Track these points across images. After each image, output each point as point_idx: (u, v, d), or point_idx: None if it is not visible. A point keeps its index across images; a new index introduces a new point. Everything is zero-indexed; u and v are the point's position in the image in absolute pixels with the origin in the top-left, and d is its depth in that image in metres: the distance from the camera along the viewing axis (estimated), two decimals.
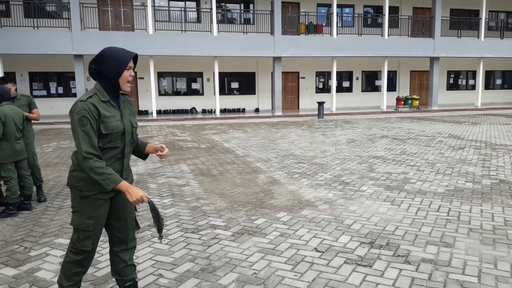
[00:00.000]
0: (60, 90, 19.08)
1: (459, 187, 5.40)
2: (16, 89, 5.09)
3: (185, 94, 20.73)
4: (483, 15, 21.28)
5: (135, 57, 2.28)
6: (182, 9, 18.96)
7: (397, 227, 3.90)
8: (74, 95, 18.38)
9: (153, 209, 2.25)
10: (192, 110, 20.40)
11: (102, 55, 2.19)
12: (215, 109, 19.31)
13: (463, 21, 22.36)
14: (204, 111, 20.53)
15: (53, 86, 19.03)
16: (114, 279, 2.88)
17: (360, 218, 4.19)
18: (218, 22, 19.00)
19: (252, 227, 3.98)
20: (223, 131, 13.17)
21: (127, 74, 2.23)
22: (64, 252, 3.37)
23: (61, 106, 18.64)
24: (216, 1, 18.38)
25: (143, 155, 2.51)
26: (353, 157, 7.76)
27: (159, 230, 2.29)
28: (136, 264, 2.83)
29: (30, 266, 3.17)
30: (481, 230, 3.78)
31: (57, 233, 3.91)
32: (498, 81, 25.93)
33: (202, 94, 20.88)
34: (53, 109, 18.69)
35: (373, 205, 4.64)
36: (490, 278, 2.85)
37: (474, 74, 24.02)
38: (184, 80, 20.69)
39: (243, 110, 20.92)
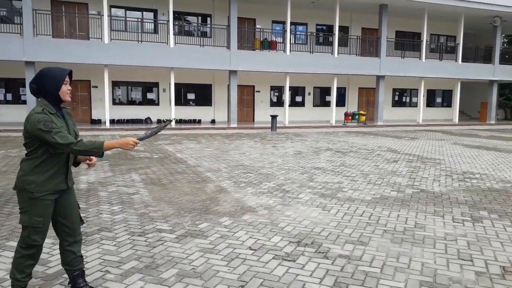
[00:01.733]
0: (9, 96, 18.49)
1: (384, 195, 6.09)
2: None
3: (140, 103, 20.75)
4: (424, 38, 23.08)
5: (70, 73, 2.67)
6: (139, 19, 19.10)
7: (324, 229, 4.44)
8: (24, 102, 17.90)
9: (153, 133, 2.77)
10: (147, 120, 20.43)
11: (40, 74, 2.58)
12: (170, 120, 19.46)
13: (407, 43, 24.12)
14: (159, 121, 20.62)
15: (1, 93, 18.41)
16: (63, 274, 3.17)
17: (293, 221, 4.70)
18: (175, 34, 19.31)
19: (195, 230, 4.37)
20: (177, 141, 13.42)
21: (65, 88, 2.62)
22: None
23: (9, 114, 18.07)
24: (174, 14, 18.70)
25: (75, 163, 2.86)
26: (297, 168, 8.35)
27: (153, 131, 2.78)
28: (83, 256, 3.13)
29: None
30: (393, 231, 4.41)
31: (7, 236, 4.10)
32: (439, 99, 28.04)
33: (158, 104, 20.99)
34: (1, 116, 18.07)
35: (307, 210, 5.18)
36: (391, 269, 3.43)
37: (417, 92, 25.82)
38: (139, 89, 20.72)
39: (199, 121, 21.23)
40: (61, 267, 3.30)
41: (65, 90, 2.61)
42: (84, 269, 2.88)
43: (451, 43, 26.58)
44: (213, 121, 21.58)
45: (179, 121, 20.60)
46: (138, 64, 17.68)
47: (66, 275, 3.12)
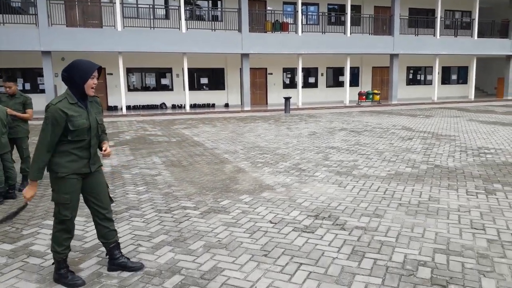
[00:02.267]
0: (27, 86, 18.94)
1: (399, 171, 6.22)
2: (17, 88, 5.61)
3: (155, 89, 21.01)
4: (439, 14, 22.63)
5: (99, 68, 2.84)
6: (151, 6, 19.19)
7: (340, 203, 4.63)
8: (42, 91, 18.31)
9: (16, 212, 3.05)
10: (162, 106, 20.72)
11: (72, 65, 2.78)
12: (184, 105, 19.71)
13: (421, 20, 23.69)
14: (174, 107, 20.89)
15: (20, 82, 18.86)
16: (99, 248, 3.44)
17: (310, 197, 4.89)
18: (187, 19, 19.37)
19: (218, 207, 4.60)
20: (193, 125, 13.67)
21: (91, 82, 2.80)
22: None
23: None
24: None
25: (100, 148, 3.08)
26: (312, 148, 8.51)
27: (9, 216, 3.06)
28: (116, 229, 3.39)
29: (24, 242, 3.67)
30: (408, 205, 4.56)
31: (43, 216, 4.40)
32: (454, 77, 27.58)
33: (172, 89, 21.22)
34: None
35: (323, 187, 5.36)
36: (405, 238, 3.60)
37: (431, 70, 25.45)
38: (153, 75, 20.95)
39: (213, 105, 21.43)
40: (96, 241, 3.58)
41: (90, 84, 2.79)
42: (119, 242, 3.13)
43: (467, 19, 25.98)
44: (226, 105, 21.75)
45: (193, 106, 20.83)
46: (151, 50, 17.86)
47: (102, 248, 3.39)
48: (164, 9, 20.25)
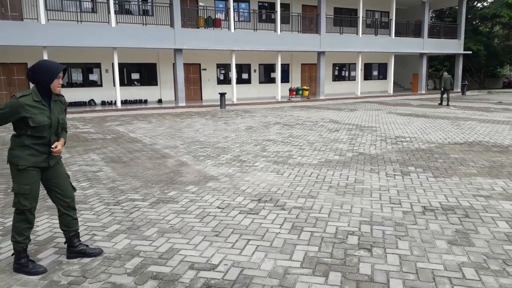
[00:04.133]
0: None
1: (328, 159, 6.88)
2: None
3: (82, 85, 20.15)
4: (361, 14, 24.33)
5: (65, 69, 3.02)
6: None
7: (279, 188, 5.10)
8: None
9: None
10: (91, 102, 19.95)
11: (37, 66, 2.94)
12: (115, 101, 19.18)
13: (345, 19, 25.27)
14: (103, 103, 20.21)
15: None
16: (53, 240, 3.55)
17: (252, 185, 5.31)
18: (116, 13, 18.82)
19: (166, 197, 4.84)
20: (127, 122, 13.47)
21: (57, 82, 2.98)
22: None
23: None
24: None
25: None
26: (250, 141, 8.96)
27: None
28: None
29: None
30: (337, 187, 5.17)
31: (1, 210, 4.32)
32: (375, 73, 29.81)
33: (101, 85, 20.50)
34: None
35: (263, 175, 5.82)
36: (336, 214, 4.16)
37: (355, 66, 27.26)
38: (80, 71, 20.07)
39: (145, 101, 21.07)
40: (49, 234, 3.67)
41: (56, 84, 2.96)
42: (78, 230, 3.29)
43: (385, 19, 28.19)
44: (159, 101, 21.51)
45: (124, 102, 20.32)
46: (78, 44, 17.14)
47: (58, 239, 3.50)
48: (91, 2, 19.46)
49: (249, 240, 3.51)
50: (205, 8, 20.81)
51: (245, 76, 24.26)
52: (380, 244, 3.38)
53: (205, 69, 22.92)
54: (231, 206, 4.43)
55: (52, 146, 3.01)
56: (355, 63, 25.89)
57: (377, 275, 2.86)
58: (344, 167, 6.25)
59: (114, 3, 18.15)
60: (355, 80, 26.50)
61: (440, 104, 18.22)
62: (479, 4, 34.71)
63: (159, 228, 3.84)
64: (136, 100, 20.88)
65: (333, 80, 27.51)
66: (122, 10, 19.96)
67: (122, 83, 20.14)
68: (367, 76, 29.20)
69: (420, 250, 3.27)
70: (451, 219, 3.96)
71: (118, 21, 18.68)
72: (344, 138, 9.19)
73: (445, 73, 18.43)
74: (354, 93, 25.92)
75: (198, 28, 20.48)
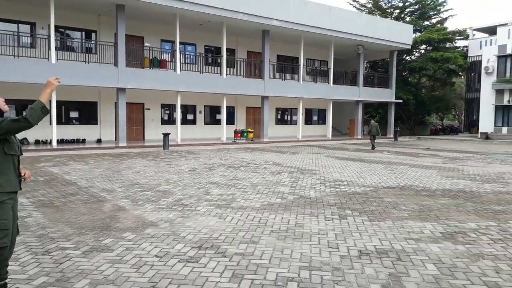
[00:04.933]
0: None
1: (271, 202, 6.97)
2: None
3: None
4: (301, 62, 25.71)
5: None
6: (15, 33, 17.66)
7: (221, 234, 5.05)
8: None
9: None
10: (23, 141, 18.75)
11: None
12: (51, 140, 18.19)
13: (287, 66, 26.55)
14: (37, 142, 19.09)
15: None
16: None
17: (193, 230, 5.21)
18: (57, 49, 18.30)
19: (100, 245, 4.59)
20: (62, 163, 12.79)
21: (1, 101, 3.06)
22: None
23: None
24: (55, 28, 17.75)
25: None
26: (193, 184, 8.85)
27: None
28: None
29: None
30: (278, 231, 5.22)
31: None
32: (315, 117, 31.22)
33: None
34: None
35: (205, 220, 5.74)
36: (277, 259, 4.18)
37: (296, 111, 28.37)
38: (13, 108, 18.94)
39: (84, 141, 20.22)
40: None
41: (1, 103, 3.04)
42: (6, 282, 3.04)
43: (324, 68, 29.99)
44: (99, 141, 20.74)
45: (61, 141, 19.34)
46: (15, 80, 16.29)
47: None
48: (30, 37, 18.80)
49: None
50: (151, 48, 20.90)
51: (190, 116, 24.28)
52: None
53: (149, 109, 22.66)
54: (170, 254, 4.29)
55: (22, 173, 3.15)
56: (297, 108, 26.97)
57: None
58: (285, 211, 6.35)
59: (55, 39, 17.68)
60: (296, 124, 27.47)
61: (373, 148, 19.43)
62: (408, 58, 38.16)
63: (92, 279, 3.62)
64: (74, 139, 19.98)
65: (276, 124, 28.34)
66: (64, 46, 19.46)
67: (59, 122, 19.25)
68: (308, 120, 30.47)
69: None
70: (385, 263, 4.13)
71: (59, 58, 18.14)
72: (286, 181, 9.39)
73: (373, 121, 20.20)
74: (295, 137, 26.79)
75: (143, 68, 20.42)
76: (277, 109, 28.43)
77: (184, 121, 23.55)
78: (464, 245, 4.73)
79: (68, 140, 19.76)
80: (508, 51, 28.87)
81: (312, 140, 25.24)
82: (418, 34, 35.03)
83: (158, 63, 20.88)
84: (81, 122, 20.67)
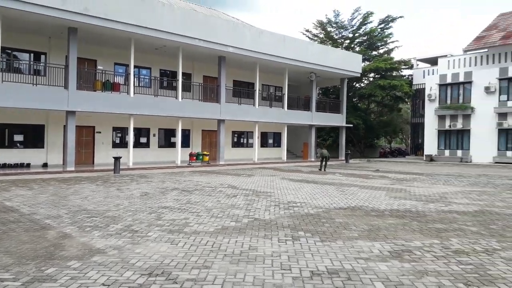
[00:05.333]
0: None
1: (225, 226, 6.92)
2: None
3: None
4: (257, 87, 26.18)
5: None
6: None
7: (172, 260, 4.93)
8: None
9: None
10: None
11: None
12: None
13: (243, 91, 26.93)
14: None
15: None
16: None
17: (143, 257, 5.05)
18: (3, 70, 17.44)
19: (42, 276, 4.32)
20: (3, 188, 12.01)
21: None
22: None
23: None
24: (1, 49, 16.96)
25: None
26: (144, 209, 8.61)
27: None
28: None
29: None
30: (232, 254, 5.18)
31: None
32: (270, 140, 31.66)
33: None
34: None
35: (156, 246, 5.58)
36: (229, 284, 4.13)
37: (252, 134, 28.65)
38: None
39: (28, 165, 19.14)
40: None
41: None
42: None
43: (279, 93, 30.71)
44: (45, 165, 19.72)
45: (3, 166, 18.19)
46: None
47: None
48: None
49: None
50: (104, 72, 20.46)
51: (143, 140, 23.78)
52: None
53: (100, 132, 21.96)
54: (118, 282, 4.12)
55: None
56: (253, 131, 27.25)
57: None
58: (239, 234, 6.32)
59: (1, 61, 16.86)
60: (252, 147, 27.70)
61: (324, 170, 20.28)
62: (357, 85, 40.01)
63: None
64: (18, 163, 18.87)
65: (232, 146, 28.40)
66: (10, 68, 18.59)
67: (1, 145, 18.17)
68: (264, 143, 30.84)
69: None
70: (336, 283, 4.21)
71: (4, 80, 17.27)
72: (241, 203, 9.38)
73: (323, 148, 21.58)
74: (252, 159, 26.94)
75: (95, 91, 19.88)
76: (234, 132, 28.57)
77: (137, 144, 23.02)
78: (410, 262, 4.93)
79: (11, 164, 18.63)
80: (448, 80, 31.07)
81: (268, 163, 25.48)
82: (367, 63, 36.94)
83: (111, 86, 20.43)
84: (26, 145, 19.61)
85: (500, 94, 28.35)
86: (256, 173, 18.34)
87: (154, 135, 24.22)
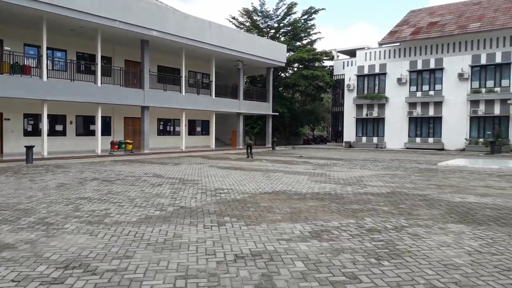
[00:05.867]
0: None
1: (149, 215, 6.75)
2: None
3: None
4: (183, 73, 25.63)
5: None
6: None
7: (91, 251, 4.71)
8: None
9: None
10: None
11: None
12: None
13: (168, 77, 26.19)
14: None
15: None
16: None
17: (59, 250, 4.75)
18: None
19: None
20: None
21: None
22: None
23: None
24: None
25: None
26: (61, 200, 8.08)
27: None
28: None
29: None
30: (155, 243, 5.09)
31: None
32: (198, 128, 31.33)
33: None
34: None
35: (74, 238, 5.28)
36: (152, 272, 4.06)
37: (179, 122, 28.09)
38: None
39: None
40: None
41: None
42: None
43: (206, 80, 30.39)
44: None
45: None
46: None
47: None
48: None
49: None
50: (11, 53, 18.57)
51: (59, 127, 22.14)
52: None
53: (9, 119, 20.03)
54: (30, 278, 3.84)
55: None
56: (180, 119, 26.72)
57: None
58: (164, 223, 6.21)
59: None
60: (180, 135, 27.20)
61: (251, 157, 20.61)
62: (283, 74, 41.00)
63: None
64: None
65: (158, 135, 27.62)
66: None
67: None
68: (191, 131, 30.42)
69: None
70: (259, 264, 4.34)
71: None
72: (167, 192, 9.20)
73: (247, 137, 22.08)
74: (179, 147, 26.47)
75: (1, 74, 18.01)
76: (159, 120, 27.77)
77: (52, 133, 21.39)
78: (328, 241, 5.24)
79: None
80: (365, 72, 33.13)
81: (196, 151, 25.23)
82: (292, 53, 37.95)
83: (20, 69, 18.65)
84: None
85: (410, 85, 30.93)
86: (184, 162, 18.09)
87: (71, 122, 22.67)
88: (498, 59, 27.45)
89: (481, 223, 6.37)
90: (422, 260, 4.52)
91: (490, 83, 28.00)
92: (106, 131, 24.00)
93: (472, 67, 28.44)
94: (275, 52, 30.74)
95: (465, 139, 28.35)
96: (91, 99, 20.28)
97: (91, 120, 23.12)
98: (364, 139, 33.25)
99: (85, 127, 23.46)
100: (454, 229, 5.94)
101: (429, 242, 5.23)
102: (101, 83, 20.90)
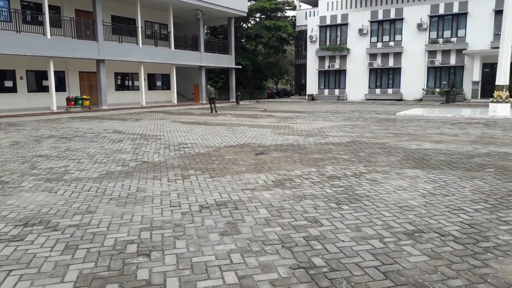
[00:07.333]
0: None
1: (110, 171, 6.62)
2: None
3: None
4: (139, 24, 24.36)
5: None
6: None
7: (51, 208, 4.60)
8: None
9: None
10: None
11: None
12: None
13: (124, 28, 24.82)
14: None
15: None
16: None
17: (17, 208, 4.60)
18: None
19: None
20: None
21: None
22: None
23: None
24: None
25: None
26: (16, 159, 7.73)
27: None
28: None
29: None
30: (118, 198, 5.03)
31: None
32: (159, 83, 30.37)
33: None
34: None
35: (32, 196, 5.12)
36: (116, 226, 4.03)
37: (138, 76, 27.07)
38: None
39: None
40: None
41: None
42: None
43: (164, 31, 29.09)
44: None
45: None
46: None
47: None
48: None
49: (11, 270, 3.03)
50: None
51: (8, 83, 20.78)
52: (158, 248, 3.47)
53: None
54: None
55: None
56: (138, 73, 25.73)
57: (154, 278, 2.92)
58: (126, 178, 6.12)
59: None
60: (139, 90, 26.33)
61: (211, 112, 20.18)
62: (245, 25, 39.92)
63: None
64: None
65: (116, 90, 26.58)
66: None
67: None
68: (152, 86, 29.47)
69: (196, 246, 3.51)
70: (223, 213, 4.41)
71: None
72: (128, 148, 9.01)
73: (208, 85, 21.07)
74: (139, 103, 25.73)
75: None
76: (116, 74, 26.61)
77: (1, 89, 20.09)
78: (290, 189, 5.38)
79: None
80: (328, 22, 32.82)
81: (157, 106, 24.64)
82: (253, 2, 36.80)
83: None
84: None
85: (371, 36, 31.10)
86: (145, 117, 17.67)
87: (21, 78, 21.30)
88: (456, 9, 27.94)
89: (435, 167, 6.73)
90: (379, 203, 4.75)
91: (447, 33, 28.66)
92: (61, 86, 22.80)
93: (430, 17, 28.85)
94: (236, 1, 29.66)
95: (423, 89, 29.31)
96: (40, 52, 19.02)
97: (43, 75, 21.81)
98: (326, 91, 33.61)
99: (37, 82, 22.14)
100: (410, 174, 6.25)
101: (386, 187, 5.49)
102: (50, 35, 19.55)
